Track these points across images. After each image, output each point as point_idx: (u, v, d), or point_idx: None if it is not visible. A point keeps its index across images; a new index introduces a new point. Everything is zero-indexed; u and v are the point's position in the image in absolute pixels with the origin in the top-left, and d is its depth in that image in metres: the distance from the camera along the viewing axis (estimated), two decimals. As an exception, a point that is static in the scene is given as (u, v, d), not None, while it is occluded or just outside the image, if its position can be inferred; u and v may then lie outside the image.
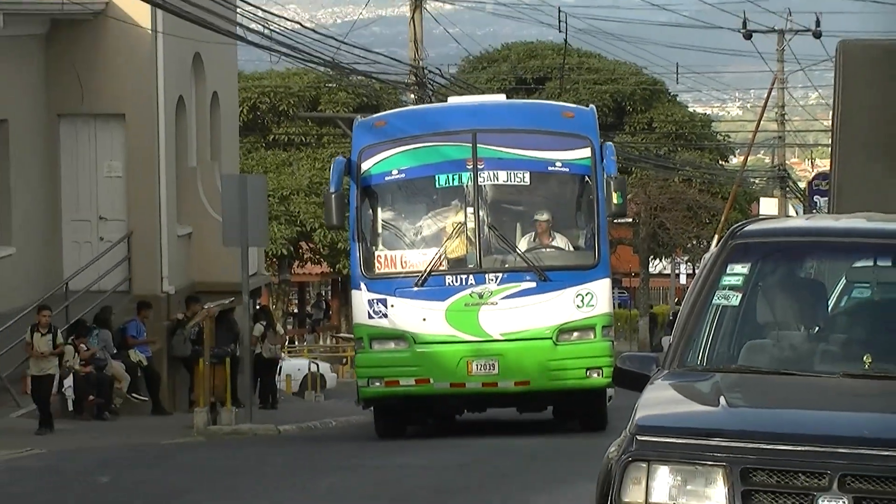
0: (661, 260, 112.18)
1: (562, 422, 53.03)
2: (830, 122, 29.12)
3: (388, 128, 40.93)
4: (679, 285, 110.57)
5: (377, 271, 41.21)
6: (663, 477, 13.80)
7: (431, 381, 39.79)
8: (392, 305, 39.69)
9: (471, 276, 40.04)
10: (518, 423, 47.71)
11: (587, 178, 37.30)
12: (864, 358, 15.85)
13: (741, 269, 16.73)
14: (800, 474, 13.55)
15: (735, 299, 16.47)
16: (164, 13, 54.32)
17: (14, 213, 56.92)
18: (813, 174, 74.70)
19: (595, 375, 40.31)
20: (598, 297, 40.61)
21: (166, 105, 65.82)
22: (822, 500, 13.41)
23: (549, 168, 40.67)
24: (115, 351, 56.12)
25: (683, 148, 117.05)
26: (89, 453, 37.89)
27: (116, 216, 59.58)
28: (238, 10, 61.82)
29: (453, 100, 60.14)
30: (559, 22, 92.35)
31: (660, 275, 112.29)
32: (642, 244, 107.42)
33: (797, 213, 69.07)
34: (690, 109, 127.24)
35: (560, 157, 40.17)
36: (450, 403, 48.26)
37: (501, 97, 62.47)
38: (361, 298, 41.02)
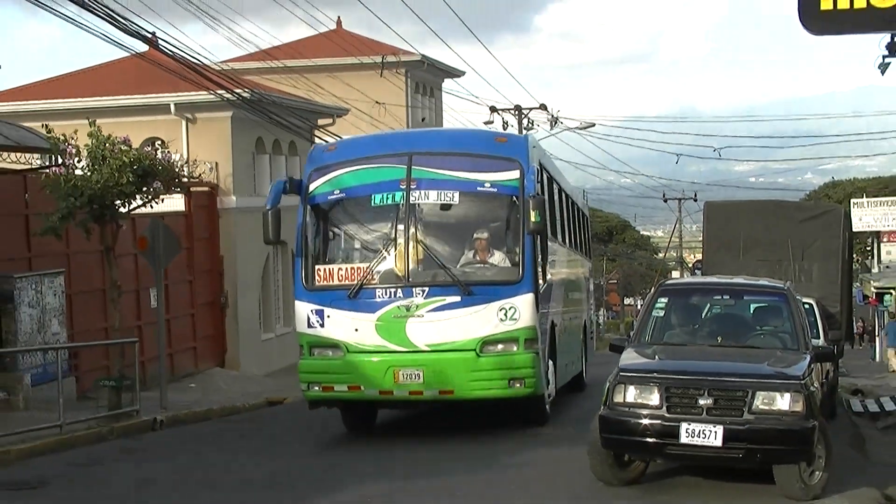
0: (630, 298, 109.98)
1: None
2: (702, 237, 28.86)
3: (336, 152, 24.03)
4: (637, 310, 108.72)
5: (316, 284, 23.21)
6: (631, 391, 13.69)
7: (362, 388, 22.70)
8: (329, 316, 22.75)
9: (399, 290, 22.53)
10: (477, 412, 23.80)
11: (515, 199, 21.73)
12: (718, 338, 15.73)
13: (664, 300, 16.59)
14: (690, 388, 13.44)
15: (661, 313, 16.34)
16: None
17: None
18: (694, 260, 73.46)
19: (518, 385, 22.20)
20: (520, 311, 22.34)
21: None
22: (700, 400, 13.30)
23: (478, 188, 23.08)
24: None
25: (638, 250, 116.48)
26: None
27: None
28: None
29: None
30: (585, 201, 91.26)
31: (630, 305, 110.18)
32: (620, 291, 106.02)
33: (687, 277, 67.61)
34: (642, 233, 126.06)
35: (489, 178, 23.07)
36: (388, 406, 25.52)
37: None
38: (302, 309, 23.39)
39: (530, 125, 51.95)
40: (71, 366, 25.30)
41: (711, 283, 19.09)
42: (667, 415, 13.43)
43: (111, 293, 24.14)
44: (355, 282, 19.70)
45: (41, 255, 26.17)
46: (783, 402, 13.29)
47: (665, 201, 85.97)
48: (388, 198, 19.92)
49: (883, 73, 18.91)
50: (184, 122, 38.04)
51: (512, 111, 51.33)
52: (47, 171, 23.40)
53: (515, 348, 19.41)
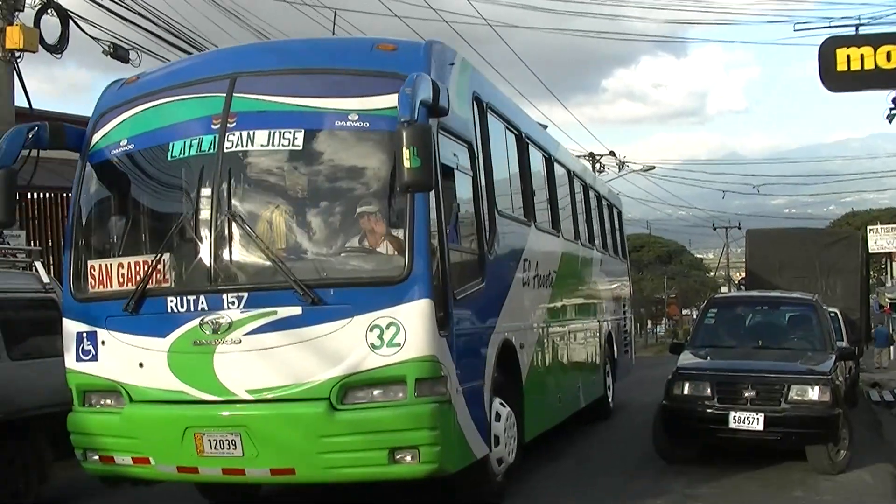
0: (687, 309, 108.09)
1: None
2: (745, 259, 28.54)
3: (137, 85, 10.05)
4: (693, 319, 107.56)
5: (90, 290, 9.58)
6: (688, 385, 13.55)
7: (152, 461, 9.21)
8: (103, 342, 9.38)
9: (202, 298, 8.91)
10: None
11: None
12: (759, 341, 15.56)
13: (714, 310, 16.45)
14: (737, 383, 13.29)
15: (712, 321, 16.18)
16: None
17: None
18: (739, 278, 72.73)
19: (408, 459, 8.72)
20: (407, 329, 8.65)
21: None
22: (745, 392, 13.15)
23: (338, 123, 8.88)
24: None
25: (693, 270, 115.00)
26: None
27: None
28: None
29: None
30: (648, 230, 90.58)
31: (686, 315, 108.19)
32: (679, 304, 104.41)
33: (733, 292, 66.68)
34: (696, 256, 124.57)
35: (359, 106, 8.83)
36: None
37: None
38: (70, 330, 9.70)
39: (602, 169, 51.70)
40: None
41: (753, 296, 18.95)
42: (717, 405, 13.29)
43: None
44: (136, 286, 9.44)
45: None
46: (814, 393, 13.13)
47: (714, 230, 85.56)
48: (191, 146, 9.46)
49: (890, 121, 18.77)
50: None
51: (586, 157, 51.13)
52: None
53: (401, 395, 8.93)
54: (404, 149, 8.26)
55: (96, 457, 9.81)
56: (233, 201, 9.25)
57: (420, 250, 8.94)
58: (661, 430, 14.04)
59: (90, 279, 9.78)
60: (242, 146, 9.33)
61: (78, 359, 9.77)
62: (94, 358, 9.68)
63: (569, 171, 16.45)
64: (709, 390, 13.43)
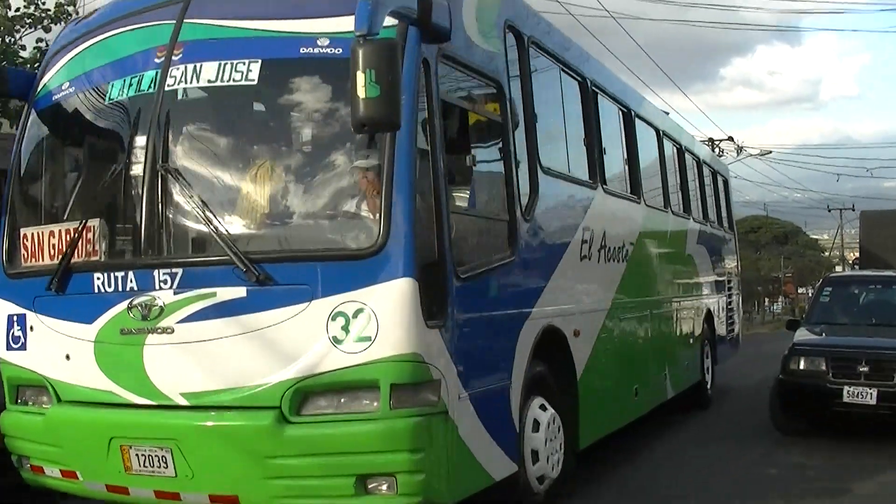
0: (802, 288, 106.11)
1: None
2: (859, 239, 28.21)
3: (94, 19, 7.37)
4: (808, 297, 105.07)
5: (22, 263, 7.15)
6: (803, 360, 13.44)
7: (80, 476, 6.69)
8: (31, 327, 6.89)
9: (130, 275, 6.29)
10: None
11: None
12: (872, 319, 15.41)
13: (829, 289, 16.30)
14: (852, 359, 13.15)
15: (827, 299, 16.03)
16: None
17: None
18: (853, 257, 71.30)
19: (383, 489, 6.00)
20: (380, 318, 5.83)
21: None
22: (858, 368, 13.00)
23: (304, 50, 6.07)
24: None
25: (808, 250, 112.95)
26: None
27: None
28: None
29: None
30: (765, 211, 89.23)
31: (802, 293, 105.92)
32: (795, 282, 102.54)
33: (848, 271, 65.43)
34: (811, 236, 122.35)
35: (331, 28, 5.98)
36: None
37: None
38: (1, 312, 7.27)
39: (720, 153, 51.09)
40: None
41: (867, 275, 18.78)
42: (832, 380, 13.14)
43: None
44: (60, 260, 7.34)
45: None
46: (925, 370, 13.01)
47: (829, 211, 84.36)
48: (130, 85, 7.22)
49: None
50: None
51: (706, 142, 50.48)
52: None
53: (375, 405, 6.38)
54: (358, 73, 5.81)
55: (29, 465, 7.73)
56: (170, 153, 7.01)
57: (400, 213, 6.42)
58: (778, 404, 13.96)
59: (22, 250, 7.68)
60: (186, 83, 7.07)
61: (8, 347, 7.67)
62: (24, 346, 7.56)
63: (657, 130, 13.58)
64: (824, 365, 13.30)
